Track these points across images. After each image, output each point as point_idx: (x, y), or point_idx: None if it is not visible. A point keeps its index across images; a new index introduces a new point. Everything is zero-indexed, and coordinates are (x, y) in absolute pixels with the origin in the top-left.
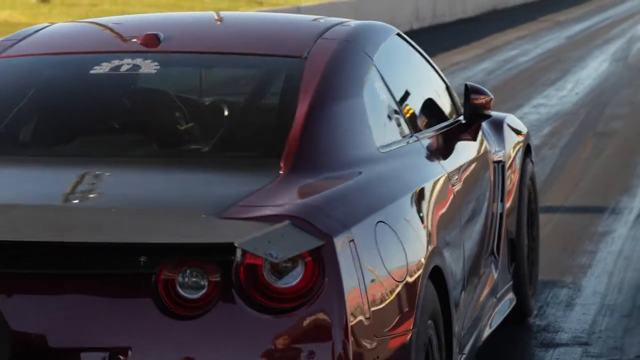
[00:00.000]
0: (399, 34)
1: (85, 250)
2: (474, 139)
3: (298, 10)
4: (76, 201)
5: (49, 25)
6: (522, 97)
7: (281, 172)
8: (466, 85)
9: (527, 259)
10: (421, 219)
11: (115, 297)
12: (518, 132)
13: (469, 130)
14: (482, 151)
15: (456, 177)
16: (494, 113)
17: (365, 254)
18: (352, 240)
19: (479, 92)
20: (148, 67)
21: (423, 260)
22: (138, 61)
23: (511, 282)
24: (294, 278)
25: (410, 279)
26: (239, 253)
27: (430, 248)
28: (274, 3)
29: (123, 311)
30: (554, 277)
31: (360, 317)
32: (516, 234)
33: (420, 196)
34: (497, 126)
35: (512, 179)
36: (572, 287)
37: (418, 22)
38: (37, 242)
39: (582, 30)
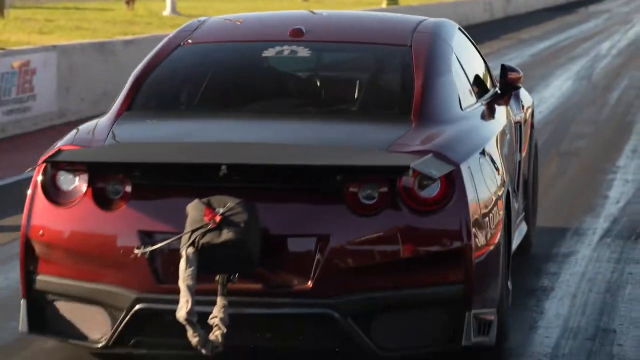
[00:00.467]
0: (459, 28)
1: (301, 172)
2: (507, 105)
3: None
4: (283, 140)
5: (206, 20)
6: None
7: (413, 124)
8: (503, 65)
9: (533, 197)
10: (499, 155)
11: (320, 203)
12: (527, 101)
13: (504, 98)
14: (510, 114)
15: (505, 131)
16: None
17: (476, 176)
18: (469, 166)
19: (513, 70)
20: (302, 52)
21: (504, 183)
22: (294, 47)
23: (523, 214)
24: (433, 191)
25: (499, 193)
26: (409, 172)
27: (505, 175)
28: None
29: (326, 212)
30: (517, 300)
31: (476, 216)
32: (527, 177)
33: (495, 141)
34: (516, 96)
35: (525, 136)
36: (535, 310)
37: None
38: (266, 165)
39: (546, 49)
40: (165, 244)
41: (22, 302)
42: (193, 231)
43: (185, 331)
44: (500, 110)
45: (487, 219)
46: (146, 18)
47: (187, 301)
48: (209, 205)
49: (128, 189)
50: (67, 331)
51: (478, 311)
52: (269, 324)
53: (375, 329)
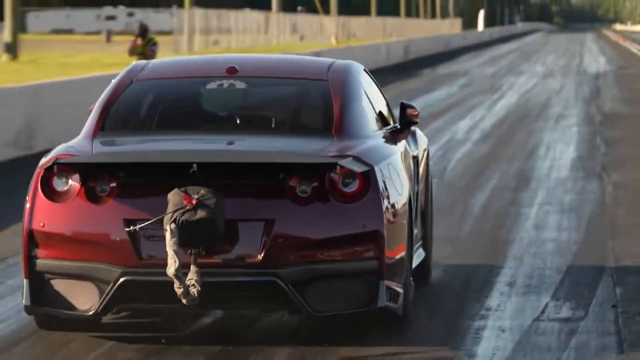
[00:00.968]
0: (364, 69)
1: (253, 170)
2: (405, 138)
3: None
4: (236, 148)
5: (148, 63)
6: None
7: (335, 138)
8: (402, 103)
9: (430, 228)
10: (403, 169)
11: (267, 195)
12: (424, 141)
13: (403, 132)
14: (408, 147)
15: (405, 155)
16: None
17: (387, 178)
18: (381, 169)
19: (411, 107)
20: (239, 84)
21: (408, 185)
22: (231, 81)
23: (421, 241)
24: (353, 186)
25: (405, 194)
26: (337, 169)
27: (407, 185)
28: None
29: (272, 202)
30: None
31: (387, 208)
32: (424, 209)
33: (399, 158)
34: (412, 134)
35: (421, 170)
36: None
37: None
38: (227, 163)
39: None
40: (153, 221)
41: (25, 281)
42: (174, 211)
43: (159, 297)
44: (401, 141)
45: (395, 211)
46: None
47: (175, 261)
48: (186, 192)
49: (113, 187)
50: (62, 304)
51: (389, 283)
52: (227, 290)
53: (309, 294)
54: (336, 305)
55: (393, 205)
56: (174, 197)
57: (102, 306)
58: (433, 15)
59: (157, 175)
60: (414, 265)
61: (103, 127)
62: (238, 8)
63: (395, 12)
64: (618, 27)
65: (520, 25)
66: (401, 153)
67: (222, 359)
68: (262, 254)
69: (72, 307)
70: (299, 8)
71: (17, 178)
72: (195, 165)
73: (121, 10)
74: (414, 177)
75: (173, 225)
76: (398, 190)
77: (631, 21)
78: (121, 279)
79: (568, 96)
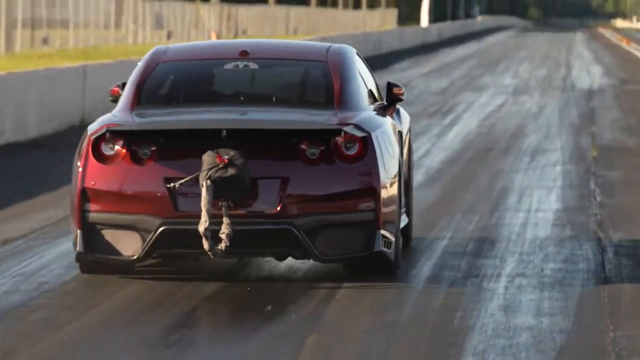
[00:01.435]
0: (356, 52)
1: (272, 135)
2: (392, 114)
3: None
4: (256, 117)
5: (168, 47)
6: None
7: (337, 110)
8: (388, 82)
9: (411, 197)
10: (393, 136)
11: (284, 157)
12: (406, 119)
13: (389, 108)
14: (394, 122)
15: (393, 127)
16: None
17: (381, 142)
18: (377, 136)
19: (397, 86)
20: (252, 65)
21: (398, 151)
22: (245, 63)
23: (404, 209)
24: (354, 149)
25: (396, 157)
26: (341, 133)
27: (399, 146)
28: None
29: (287, 163)
30: None
31: (382, 168)
32: (407, 179)
33: (390, 128)
34: (397, 111)
35: (405, 145)
36: None
37: None
38: (252, 129)
39: None
40: (190, 179)
41: (78, 232)
42: (209, 169)
43: (193, 244)
44: (388, 115)
45: (389, 171)
46: None
47: (206, 221)
48: (218, 153)
49: (154, 150)
50: (110, 250)
51: (384, 232)
52: (250, 238)
53: (318, 240)
54: (340, 250)
55: (387, 166)
56: (208, 157)
57: (144, 252)
58: (357, 5)
59: (191, 140)
60: (401, 225)
61: (139, 101)
62: None
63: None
64: (619, 23)
65: (482, 20)
66: (392, 124)
67: (243, 299)
68: (279, 207)
69: (118, 253)
70: None
71: None
72: (225, 131)
73: None
74: (399, 149)
75: (208, 182)
76: (391, 153)
77: (637, 16)
78: (160, 228)
79: (549, 121)
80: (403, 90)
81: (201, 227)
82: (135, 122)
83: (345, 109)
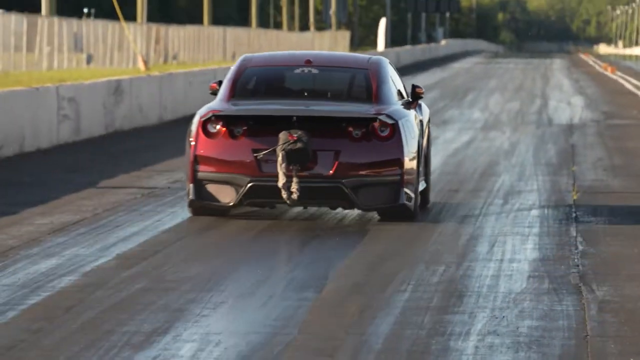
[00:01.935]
0: (389, 62)
1: (328, 121)
2: (415, 107)
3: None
4: (317, 108)
5: (252, 56)
6: None
7: (374, 104)
8: (413, 85)
9: (429, 167)
10: (415, 124)
11: (336, 136)
12: (426, 112)
13: (413, 103)
14: (415, 113)
15: (415, 117)
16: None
17: (406, 128)
18: (403, 124)
19: (419, 87)
20: (314, 70)
21: (418, 134)
22: (309, 68)
23: (423, 177)
24: (386, 132)
25: (416, 139)
26: (377, 120)
27: (420, 134)
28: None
29: (338, 140)
30: None
31: (406, 146)
32: (426, 155)
33: (413, 117)
34: (419, 106)
35: (425, 131)
36: None
37: None
38: (315, 116)
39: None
40: (270, 150)
41: (190, 185)
42: (283, 144)
43: (272, 195)
44: (412, 108)
45: (411, 148)
46: None
47: (282, 178)
48: (290, 132)
49: (245, 129)
50: (213, 198)
51: (406, 190)
52: (313, 192)
53: (360, 195)
54: (375, 202)
55: (409, 145)
56: (282, 135)
57: (237, 200)
58: (304, 27)
59: (271, 123)
60: (420, 188)
61: (234, 95)
62: None
63: (242, 21)
64: (603, 49)
65: (446, 44)
66: (414, 115)
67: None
68: (332, 170)
69: (218, 201)
70: (87, 11)
71: None
72: (294, 117)
73: None
74: (420, 133)
75: (283, 152)
76: (412, 136)
77: (623, 41)
78: (249, 184)
79: (524, 160)
80: (423, 90)
81: (280, 183)
82: (231, 109)
83: (380, 103)
